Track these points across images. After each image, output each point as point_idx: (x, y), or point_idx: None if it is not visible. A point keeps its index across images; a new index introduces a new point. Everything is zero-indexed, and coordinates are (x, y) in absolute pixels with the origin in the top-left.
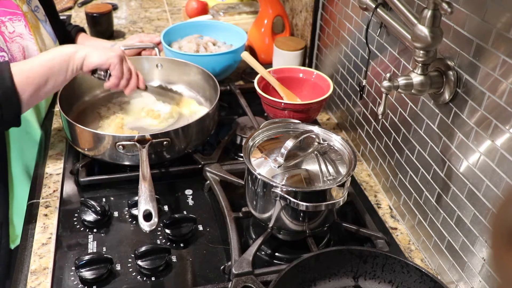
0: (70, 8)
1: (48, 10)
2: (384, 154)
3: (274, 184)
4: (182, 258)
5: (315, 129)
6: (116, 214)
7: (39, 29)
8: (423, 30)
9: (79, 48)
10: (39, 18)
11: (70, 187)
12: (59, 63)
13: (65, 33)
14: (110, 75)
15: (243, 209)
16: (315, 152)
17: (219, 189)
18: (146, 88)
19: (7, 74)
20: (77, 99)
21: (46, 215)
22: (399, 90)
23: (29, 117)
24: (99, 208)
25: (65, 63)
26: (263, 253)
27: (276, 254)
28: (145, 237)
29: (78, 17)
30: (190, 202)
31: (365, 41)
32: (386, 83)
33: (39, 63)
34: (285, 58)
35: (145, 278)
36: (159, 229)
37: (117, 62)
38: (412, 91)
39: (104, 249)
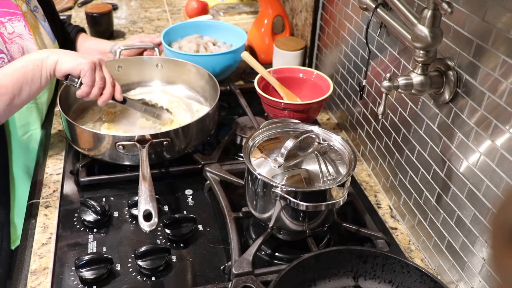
0: (70, 8)
1: (47, 10)
2: (384, 154)
3: (274, 184)
4: (182, 258)
5: (315, 129)
6: (116, 214)
7: (39, 29)
8: (423, 30)
9: (51, 53)
10: (38, 18)
11: (70, 187)
12: (32, 69)
13: (64, 33)
14: (81, 82)
15: (243, 209)
16: (315, 152)
17: (219, 189)
18: (124, 101)
19: None
20: (77, 99)
21: (46, 215)
22: (399, 90)
23: (31, 118)
24: (99, 208)
25: (37, 68)
26: (263, 253)
27: (276, 254)
28: (145, 237)
29: (78, 17)
30: (190, 202)
31: (365, 41)
32: (386, 83)
33: (12, 71)
34: (285, 58)
35: (145, 278)
36: (159, 229)
37: (88, 69)
38: (412, 91)
39: (104, 249)
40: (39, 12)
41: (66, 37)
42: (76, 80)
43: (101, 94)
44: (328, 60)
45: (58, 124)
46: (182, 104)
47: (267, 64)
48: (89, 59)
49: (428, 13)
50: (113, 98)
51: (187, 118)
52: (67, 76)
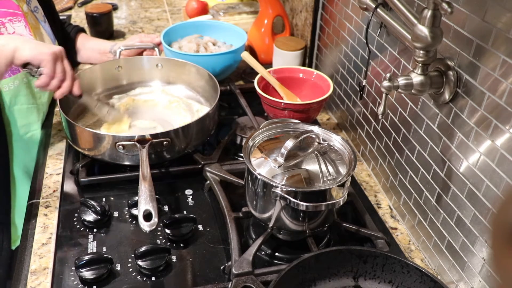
0: (70, 8)
1: (47, 10)
2: (384, 154)
3: (274, 184)
4: (182, 258)
5: (315, 129)
6: (116, 214)
7: (39, 30)
8: (423, 30)
9: (10, 40)
10: (39, 19)
11: (70, 187)
12: None
13: (64, 33)
14: (41, 73)
15: (243, 209)
16: (315, 152)
17: (219, 189)
18: (80, 96)
19: None
20: (77, 99)
21: (46, 215)
22: (399, 90)
23: (31, 118)
24: (99, 208)
25: None
26: (263, 253)
27: (276, 254)
28: (145, 237)
29: (78, 17)
30: (190, 202)
31: (365, 41)
32: (386, 83)
33: None
34: (285, 58)
35: (145, 278)
36: (159, 229)
37: (50, 60)
38: (412, 91)
39: (104, 249)
40: (39, 12)
41: (66, 37)
42: (35, 69)
43: (59, 87)
44: (328, 60)
45: (58, 124)
46: (182, 104)
47: (267, 64)
48: (51, 49)
49: (428, 13)
50: (70, 93)
51: (187, 118)
52: (25, 65)
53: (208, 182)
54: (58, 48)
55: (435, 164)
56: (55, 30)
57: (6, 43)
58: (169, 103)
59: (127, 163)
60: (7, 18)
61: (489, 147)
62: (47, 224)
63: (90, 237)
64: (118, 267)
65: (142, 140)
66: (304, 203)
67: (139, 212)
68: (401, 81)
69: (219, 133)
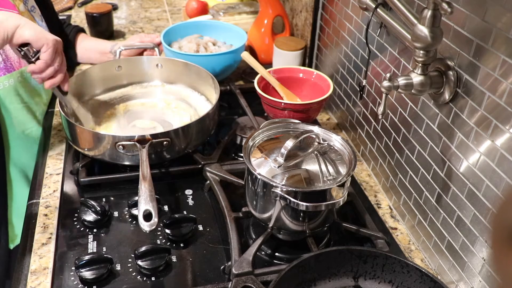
0: (70, 8)
1: (44, 10)
2: (384, 154)
3: (274, 184)
4: (182, 258)
5: (315, 129)
6: (116, 214)
7: None
8: (423, 30)
9: (13, 16)
10: (36, 18)
11: (70, 187)
12: None
13: (64, 34)
14: (38, 58)
15: (243, 209)
16: (315, 152)
17: (219, 189)
18: (66, 93)
19: None
20: (77, 99)
21: (46, 215)
22: (399, 90)
23: (25, 117)
24: (99, 208)
25: None
26: (263, 253)
27: (276, 254)
28: (145, 237)
29: (78, 17)
30: (190, 202)
31: (365, 41)
32: (386, 83)
33: None
34: (285, 58)
35: (145, 278)
36: (159, 229)
37: (51, 46)
38: (412, 91)
39: (104, 249)
40: (36, 12)
41: (65, 38)
42: (31, 52)
43: (52, 77)
44: (328, 60)
45: (58, 124)
46: (182, 104)
47: (267, 64)
48: (54, 37)
49: (428, 13)
50: (58, 87)
51: (187, 118)
52: (24, 45)
53: (208, 182)
54: (59, 38)
55: (435, 164)
56: (53, 29)
57: (6, 18)
58: (169, 103)
59: (127, 163)
60: None
61: (489, 147)
62: (47, 224)
63: (90, 237)
64: (118, 267)
65: (142, 140)
66: (304, 203)
67: (139, 212)
68: (401, 81)
69: (219, 133)
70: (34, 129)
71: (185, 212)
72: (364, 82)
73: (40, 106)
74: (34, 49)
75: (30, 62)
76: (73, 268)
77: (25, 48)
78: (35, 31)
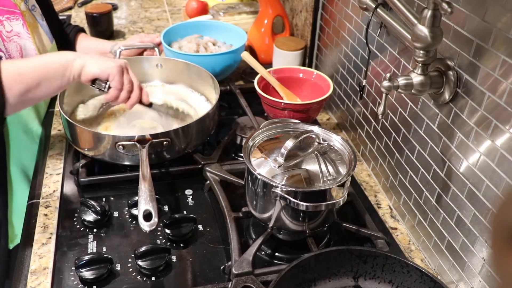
0: (70, 8)
1: (45, 9)
2: (384, 154)
3: (274, 184)
4: (182, 258)
5: (315, 129)
6: (116, 214)
7: (37, 28)
8: (423, 30)
9: (78, 56)
10: (36, 17)
11: (70, 187)
12: (56, 68)
13: (63, 33)
14: (110, 86)
15: (243, 209)
16: (315, 152)
17: (219, 189)
18: (150, 105)
19: None
20: (77, 99)
21: (46, 215)
22: (399, 90)
23: (27, 117)
24: (99, 208)
25: (61, 69)
26: (263, 253)
27: (276, 254)
28: (145, 237)
29: (78, 17)
30: (190, 202)
31: (365, 41)
32: (386, 83)
33: (34, 64)
34: (285, 58)
35: (145, 278)
36: (159, 229)
37: (117, 73)
38: (412, 91)
39: (104, 249)
40: (37, 11)
41: (65, 38)
42: (103, 84)
43: (129, 97)
44: (328, 60)
45: (58, 124)
46: (182, 104)
47: (267, 64)
48: (116, 63)
49: (428, 13)
50: (140, 102)
51: (187, 118)
52: (94, 81)
53: (208, 182)
54: (123, 61)
55: (435, 164)
56: (53, 29)
57: (75, 58)
58: (169, 103)
59: (127, 163)
60: (4, 16)
61: (489, 147)
62: (47, 224)
63: (90, 237)
64: (118, 267)
65: (142, 140)
66: (304, 203)
67: (139, 212)
68: (401, 81)
69: (219, 133)
70: (34, 129)
71: (185, 212)
72: (364, 82)
73: (40, 106)
74: (103, 81)
75: (104, 92)
76: (73, 268)
77: (96, 82)
78: (98, 66)
